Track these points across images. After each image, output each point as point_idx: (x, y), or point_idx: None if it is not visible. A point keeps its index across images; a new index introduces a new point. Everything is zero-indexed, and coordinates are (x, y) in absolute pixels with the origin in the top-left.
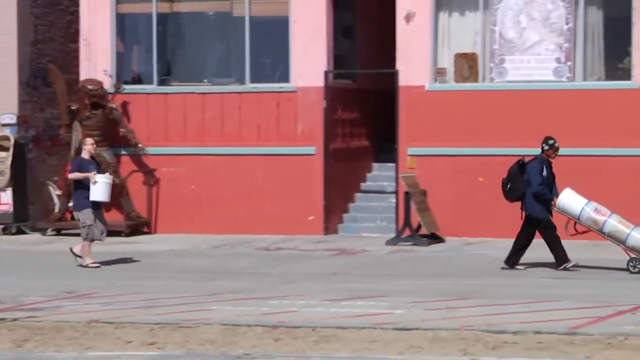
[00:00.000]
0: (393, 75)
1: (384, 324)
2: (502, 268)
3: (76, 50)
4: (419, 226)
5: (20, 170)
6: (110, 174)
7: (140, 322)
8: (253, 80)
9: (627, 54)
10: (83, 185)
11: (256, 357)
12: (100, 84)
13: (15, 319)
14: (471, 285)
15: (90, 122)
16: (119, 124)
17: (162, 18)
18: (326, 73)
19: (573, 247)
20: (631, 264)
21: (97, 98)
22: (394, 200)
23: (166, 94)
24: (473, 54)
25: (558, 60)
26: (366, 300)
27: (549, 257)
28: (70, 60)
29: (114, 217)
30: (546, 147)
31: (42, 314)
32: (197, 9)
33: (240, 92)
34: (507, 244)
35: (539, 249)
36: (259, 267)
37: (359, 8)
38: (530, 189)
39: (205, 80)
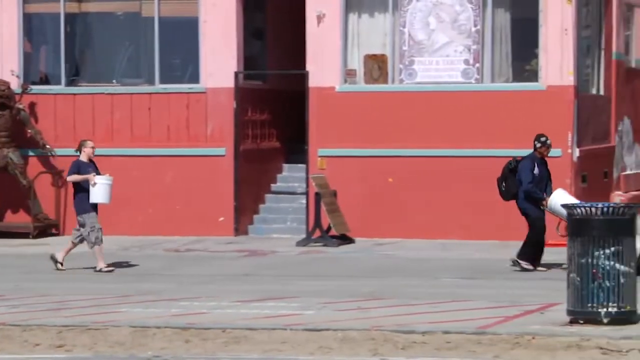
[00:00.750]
0: (303, 77)
1: (295, 324)
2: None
3: None
4: (329, 227)
5: None
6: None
7: (48, 324)
8: (163, 81)
9: (535, 55)
10: (83, 189)
11: (166, 358)
12: (7, 84)
13: None
14: (381, 285)
15: None
16: (27, 124)
17: (70, 18)
18: (236, 74)
19: (486, 248)
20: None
21: (4, 99)
22: (304, 201)
23: (74, 94)
24: (383, 55)
25: (466, 62)
26: (277, 301)
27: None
28: None
29: (22, 218)
30: (538, 145)
31: None
32: (106, 9)
33: (149, 93)
34: (417, 245)
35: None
36: (168, 268)
37: (270, 9)
38: (521, 187)
39: (114, 81)
